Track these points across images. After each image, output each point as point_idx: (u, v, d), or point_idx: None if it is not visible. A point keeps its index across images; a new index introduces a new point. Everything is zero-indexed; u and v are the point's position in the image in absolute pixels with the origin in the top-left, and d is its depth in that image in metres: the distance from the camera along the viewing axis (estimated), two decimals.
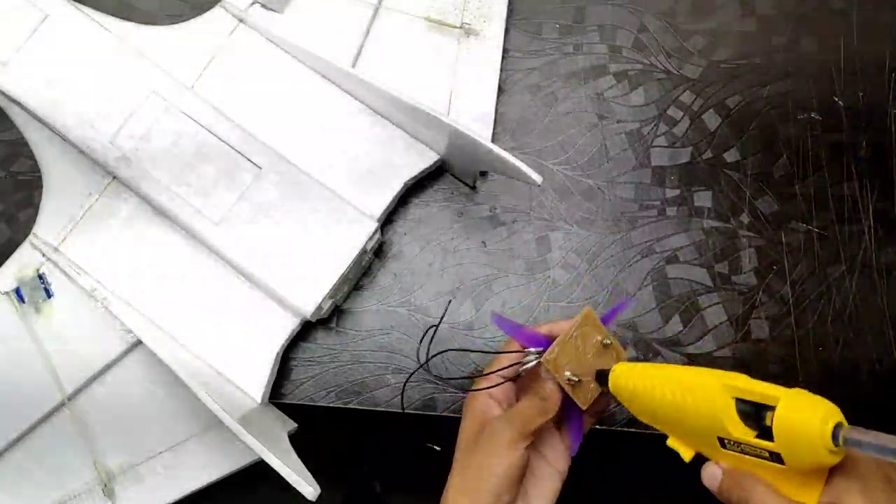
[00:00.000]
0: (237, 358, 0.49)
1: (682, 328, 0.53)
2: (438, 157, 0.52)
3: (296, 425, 0.50)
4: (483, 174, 0.55)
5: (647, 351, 0.53)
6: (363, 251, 0.49)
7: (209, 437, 0.49)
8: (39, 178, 0.51)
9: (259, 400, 0.49)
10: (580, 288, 0.54)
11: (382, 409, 0.52)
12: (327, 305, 0.49)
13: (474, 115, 0.54)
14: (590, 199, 0.55)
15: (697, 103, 0.57)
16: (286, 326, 0.49)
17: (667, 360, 0.53)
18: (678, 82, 0.57)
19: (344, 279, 0.48)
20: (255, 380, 0.49)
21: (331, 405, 0.52)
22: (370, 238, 0.48)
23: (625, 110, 0.57)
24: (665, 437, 0.36)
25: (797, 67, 0.58)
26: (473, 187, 0.55)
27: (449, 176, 0.55)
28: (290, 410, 0.51)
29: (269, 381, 0.49)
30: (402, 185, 0.51)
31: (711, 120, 0.57)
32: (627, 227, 0.55)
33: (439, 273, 0.54)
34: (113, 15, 0.50)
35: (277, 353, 0.49)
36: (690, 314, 0.54)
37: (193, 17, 0.52)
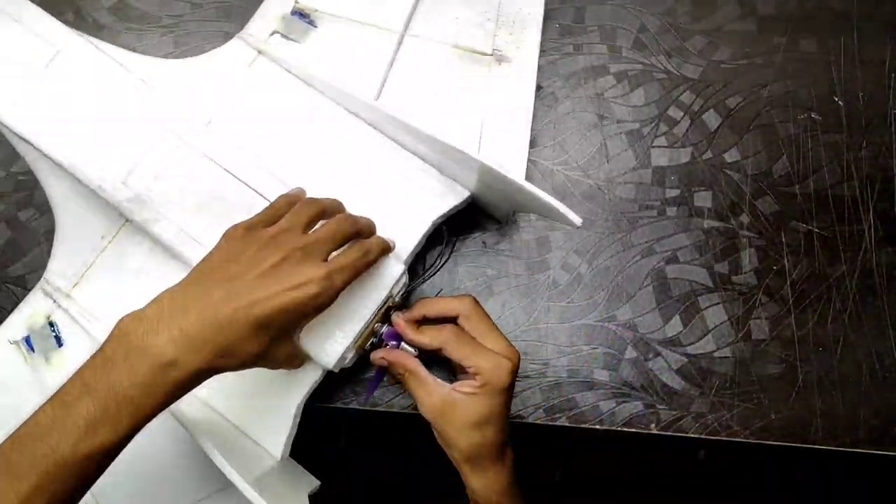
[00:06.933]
0: (257, 412, 0.46)
1: (682, 328, 0.53)
2: (469, 193, 0.48)
3: (318, 483, 0.47)
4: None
5: (647, 351, 0.53)
6: (389, 296, 0.44)
7: (222, 499, 0.46)
8: None
9: (279, 457, 0.46)
10: (580, 288, 0.54)
11: (383, 410, 0.52)
12: (350, 355, 0.44)
13: (507, 148, 0.51)
14: (590, 199, 0.55)
15: (697, 103, 0.57)
16: (307, 378, 0.46)
17: (667, 360, 0.53)
18: (678, 82, 0.57)
19: (367, 327, 0.44)
20: (275, 436, 0.46)
21: (331, 405, 0.52)
22: (396, 282, 0.44)
23: (625, 110, 0.57)
24: None
25: (797, 67, 0.58)
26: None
27: None
28: None
29: (289, 436, 0.46)
30: (430, 224, 0.47)
31: (711, 120, 0.57)
32: (627, 227, 0.55)
33: (439, 273, 0.54)
34: (111, 15, 0.50)
35: (299, 406, 0.46)
36: (690, 314, 0.54)
37: (194, 16, 0.52)
